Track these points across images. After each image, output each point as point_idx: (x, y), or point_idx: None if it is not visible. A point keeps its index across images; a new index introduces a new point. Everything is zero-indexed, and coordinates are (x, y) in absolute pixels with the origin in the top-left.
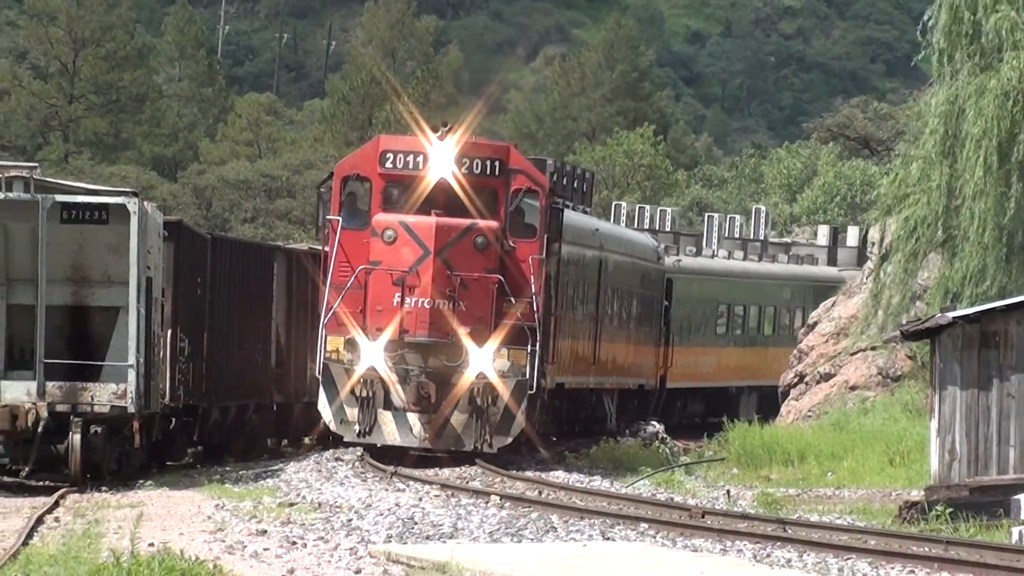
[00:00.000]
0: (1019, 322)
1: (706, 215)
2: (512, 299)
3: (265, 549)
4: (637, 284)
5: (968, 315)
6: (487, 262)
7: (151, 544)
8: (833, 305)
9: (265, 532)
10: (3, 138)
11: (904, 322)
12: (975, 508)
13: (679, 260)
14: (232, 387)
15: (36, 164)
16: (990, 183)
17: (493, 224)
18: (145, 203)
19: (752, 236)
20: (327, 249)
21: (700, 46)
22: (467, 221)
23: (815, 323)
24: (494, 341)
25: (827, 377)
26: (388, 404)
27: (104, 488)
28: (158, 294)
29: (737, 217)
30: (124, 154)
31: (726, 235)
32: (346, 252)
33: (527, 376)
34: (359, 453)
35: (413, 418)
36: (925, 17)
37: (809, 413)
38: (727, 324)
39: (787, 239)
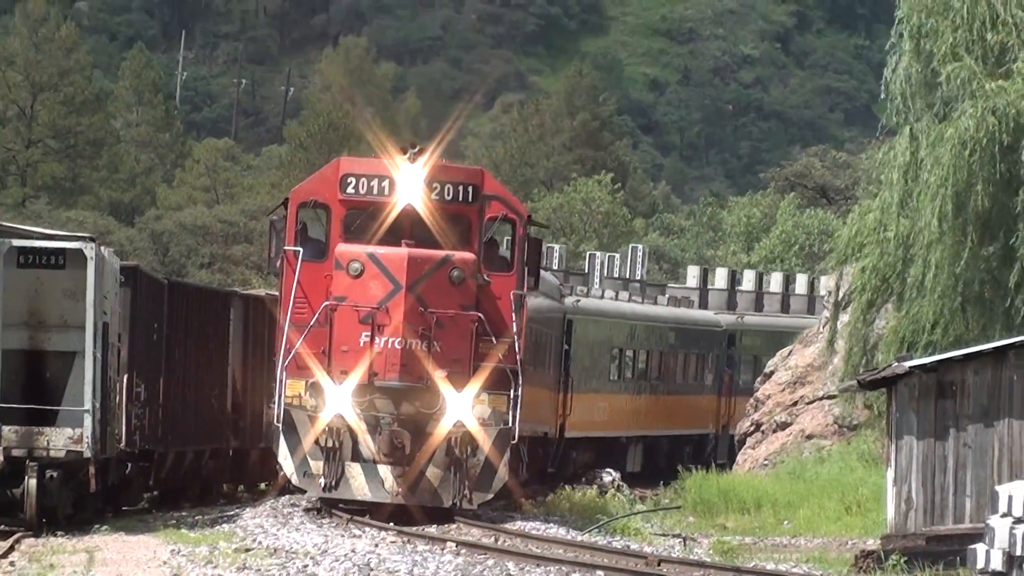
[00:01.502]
0: (976, 372)
1: (587, 254)
2: (493, 339)
3: None
4: (542, 324)
5: (925, 364)
6: (463, 298)
7: None
8: (790, 354)
9: None
10: None
11: (861, 371)
12: (931, 557)
13: (578, 300)
14: (188, 432)
15: None
16: (946, 232)
17: (469, 256)
18: (102, 248)
19: (629, 276)
20: (282, 284)
21: (659, 94)
22: (441, 252)
23: (772, 372)
24: (473, 386)
25: (784, 426)
26: (356, 455)
27: (60, 533)
28: (115, 339)
29: (616, 256)
30: (81, 199)
31: (607, 275)
32: (303, 287)
33: (509, 424)
34: (315, 500)
35: (385, 471)
36: (887, 69)
37: (766, 462)
38: (619, 369)
39: (666, 283)
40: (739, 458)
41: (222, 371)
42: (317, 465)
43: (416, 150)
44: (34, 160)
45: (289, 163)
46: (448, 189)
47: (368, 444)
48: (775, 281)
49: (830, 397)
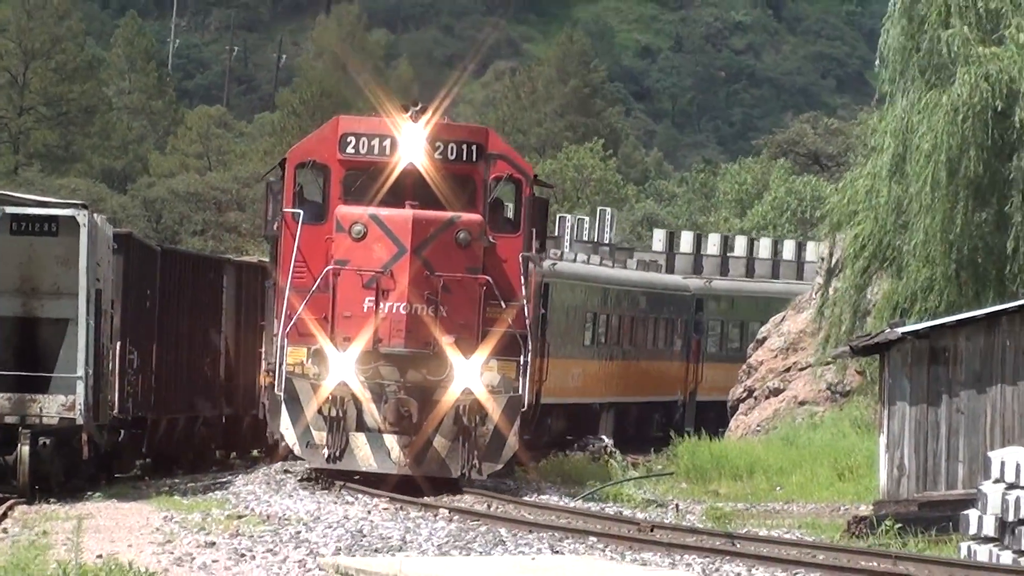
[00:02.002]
0: (968, 338)
1: (558, 216)
2: (502, 303)
3: (214, 561)
4: None
5: (917, 330)
6: (470, 261)
7: (99, 556)
8: (782, 320)
9: (214, 544)
10: None
11: (853, 337)
12: (923, 523)
13: (554, 264)
14: (181, 399)
15: None
16: (938, 199)
17: (475, 218)
18: (95, 215)
19: (598, 240)
20: (280, 248)
21: (651, 61)
22: (447, 214)
23: (764, 338)
24: (482, 352)
25: (776, 392)
26: (360, 425)
27: (52, 500)
28: (107, 306)
29: (585, 219)
30: (74, 166)
31: (576, 238)
32: (302, 251)
33: (519, 391)
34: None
35: (391, 440)
36: (881, 36)
37: (758, 428)
38: (592, 335)
39: (632, 246)
40: (731, 424)
41: (215, 338)
42: (320, 435)
43: (419, 108)
44: (26, 127)
45: (281, 130)
46: (452, 148)
47: (373, 413)
48: (764, 247)
49: (826, 364)
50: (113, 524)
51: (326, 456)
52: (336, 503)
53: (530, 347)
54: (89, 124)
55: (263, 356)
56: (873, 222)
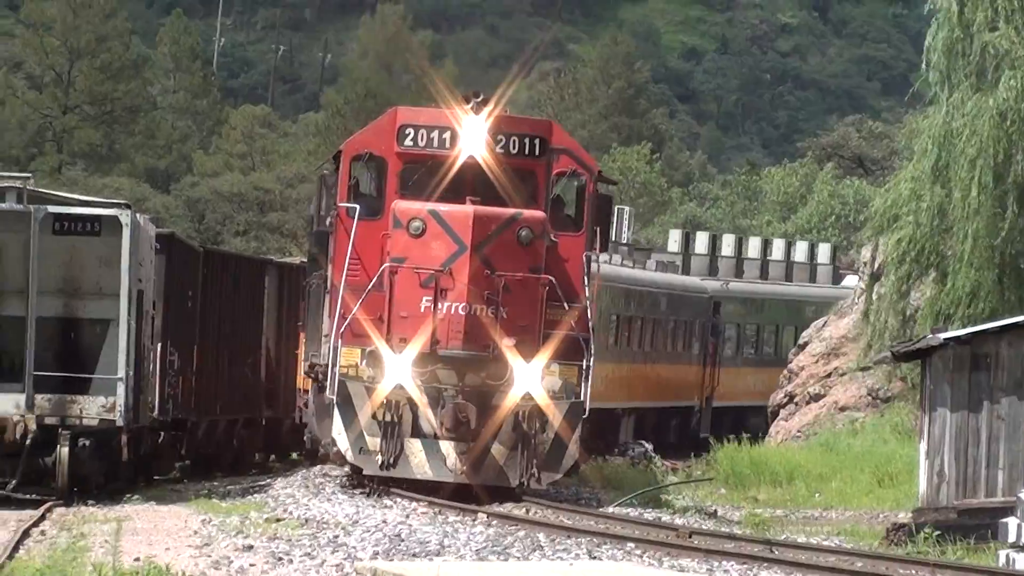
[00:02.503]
0: (1011, 344)
1: None
2: (564, 304)
3: (251, 564)
4: None
5: (959, 336)
6: (532, 260)
7: (137, 559)
8: (824, 325)
9: (251, 548)
10: None
11: (895, 343)
12: (963, 531)
13: None
14: (221, 401)
15: (29, 175)
16: (984, 203)
17: (538, 215)
18: (138, 215)
19: (615, 239)
20: (335, 243)
21: (696, 63)
22: (510, 211)
23: (806, 343)
24: (543, 356)
25: (817, 397)
26: (416, 430)
27: (91, 502)
28: (149, 307)
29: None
30: (117, 166)
31: None
32: (357, 248)
33: (581, 397)
34: (347, 470)
35: (447, 447)
36: (927, 38)
37: (798, 433)
38: (615, 337)
39: (648, 246)
40: (772, 429)
41: (256, 340)
42: (374, 441)
43: (480, 99)
44: (70, 126)
45: (326, 130)
46: (514, 141)
47: (429, 418)
48: (777, 248)
49: (864, 369)
50: (151, 527)
51: (380, 463)
52: (375, 507)
53: (592, 351)
54: (133, 123)
55: (301, 358)
56: (916, 227)
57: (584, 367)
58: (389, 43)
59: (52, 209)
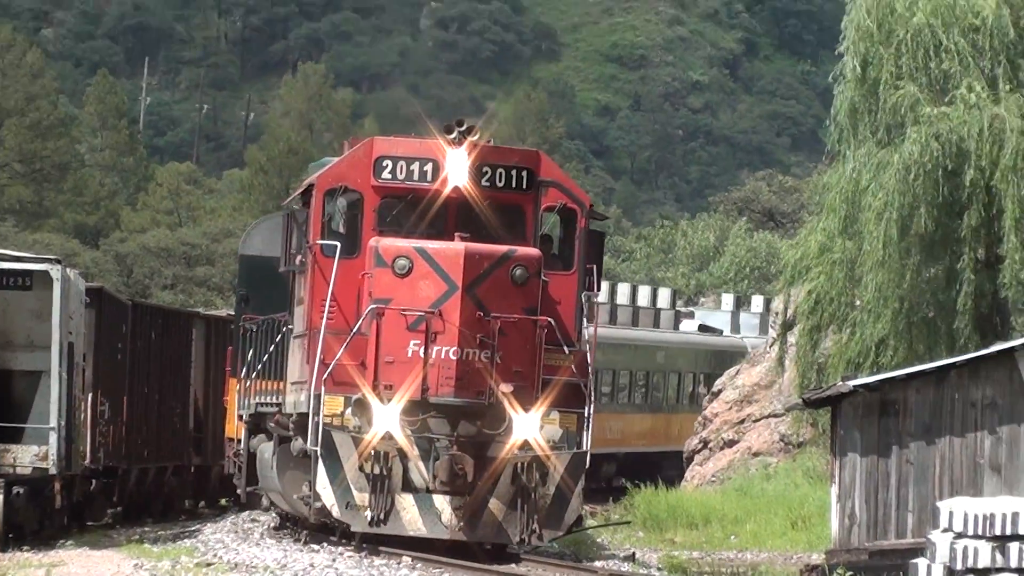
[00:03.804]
0: (918, 390)
1: None
2: (564, 348)
3: None
4: None
5: (868, 383)
6: (527, 301)
7: None
8: (737, 373)
9: None
10: None
11: (806, 390)
12: (874, 571)
13: None
14: (151, 449)
15: None
16: (890, 256)
17: (534, 252)
18: (68, 270)
19: None
20: (310, 283)
21: (610, 119)
22: (502, 248)
23: (719, 391)
24: (542, 403)
25: (731, 443)
26: (407, 484)
27: (26, 548)
28: (80, 358)
29: None
30: (47, 222)
31: None
32: (335, 288)
33: (582, 447)
34: (274, 516)
35: (441, 501)
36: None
37: (713, 478)
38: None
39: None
40: (687, 474)
41: (185, 389)
42: (362, 496)
43: (464, 128)
44: (1, 183)
45: (250, 187)
46: (500, 174)
47: (421, 470)
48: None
49: (776, 416)
50: (84, 571)
51: (369, 519)
52: (302, 551)
53: (593, 398)
54: (62, 180)
55: (232, 406)
56: (826, 278)
57: (585, 415)
58: (310, 101)
59: None
